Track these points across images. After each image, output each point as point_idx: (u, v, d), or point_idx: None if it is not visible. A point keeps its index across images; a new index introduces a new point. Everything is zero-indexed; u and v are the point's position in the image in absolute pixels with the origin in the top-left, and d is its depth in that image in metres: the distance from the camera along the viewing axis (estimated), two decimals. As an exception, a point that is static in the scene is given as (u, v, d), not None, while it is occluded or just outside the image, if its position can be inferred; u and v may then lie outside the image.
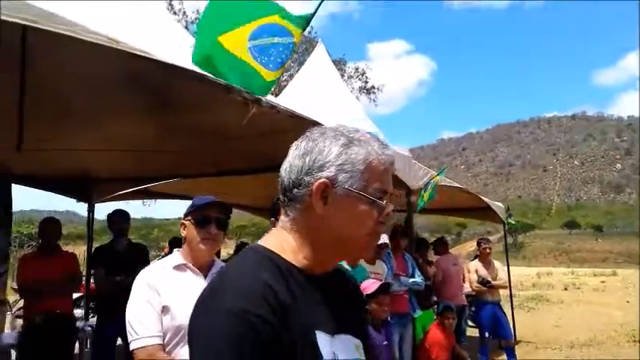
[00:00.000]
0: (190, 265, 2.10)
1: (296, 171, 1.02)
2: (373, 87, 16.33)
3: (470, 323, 7.74)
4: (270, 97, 2.79)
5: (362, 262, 4.50)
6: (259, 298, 0.89)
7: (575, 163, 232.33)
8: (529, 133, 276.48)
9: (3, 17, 1.66)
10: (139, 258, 4.58)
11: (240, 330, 0.86)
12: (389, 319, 4.79)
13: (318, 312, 1.00)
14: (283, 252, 1.03)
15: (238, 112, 2.65)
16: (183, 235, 2.15)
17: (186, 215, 2.16)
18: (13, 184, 5.18)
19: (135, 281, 2.03)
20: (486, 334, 6.26)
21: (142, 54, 2.16)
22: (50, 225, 4.78)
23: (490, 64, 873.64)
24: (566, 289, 18.84)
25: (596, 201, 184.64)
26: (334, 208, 1.00)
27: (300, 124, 3.05)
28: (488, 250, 6.60)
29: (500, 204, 8.82)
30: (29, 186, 5.48)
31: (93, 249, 5.42)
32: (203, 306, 0.93)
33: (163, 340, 1.93)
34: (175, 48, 2.84)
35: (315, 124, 3.21)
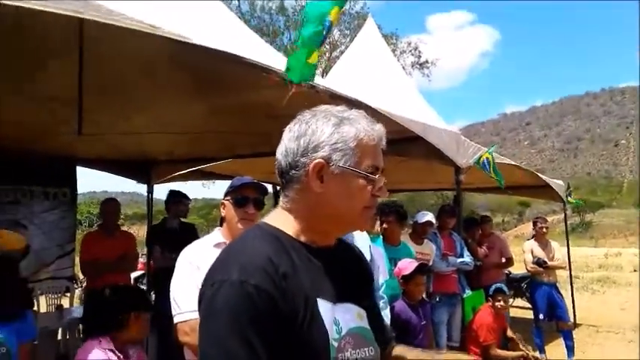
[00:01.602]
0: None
1: (292, 153, 1.07)
2: (426, 61, 15.90)
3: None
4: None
5: (409, 241, 4.50)
6: (259, 270, 0.95)
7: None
8: (599, 105, 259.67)
9: (47, 9, 1.76)
10: (190, 236, 4.78)
11: (239, 300, 0.92)
12: (437, 299, 4.79)
13: (320, 281, 1.05)
14: (285, 228, 1.09)
15: (280, 92, 2.70)
16: (222, 214, 2.24)
17: (225, 195, 2.24)
18: (78, 167, 5.56)
19: (178, 259, 2.15)
20: (541, 316, 6.09)
21: (180, 38, 2.25)
22: (109, 206, 4.98)
23: (557, 32, 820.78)
24: (635, 270, 17.82)
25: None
26: (330, 186, 1.05)
27: (341, 104, 3.05)
28: (544, 230, 6.35)
29: (560, 182, 8.44)
30: (92, 168, 5.84)
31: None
32: (209, 276, 1.01)
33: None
34: (217, 30, 2.93)
35: (356, 103, 3.20)
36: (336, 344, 1.02)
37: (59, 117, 3.88)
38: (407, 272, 3.37)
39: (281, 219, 1.11)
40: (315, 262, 1.07)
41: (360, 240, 2.66)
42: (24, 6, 1.68)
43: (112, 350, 2.36)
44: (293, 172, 1.07)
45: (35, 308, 4.57)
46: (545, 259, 6.12)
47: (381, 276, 2.83)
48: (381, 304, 2.77)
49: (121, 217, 6.44)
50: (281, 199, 1.13)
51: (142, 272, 7.58)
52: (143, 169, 6.22)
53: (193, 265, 2.09)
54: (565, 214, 9.50)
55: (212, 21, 3.10)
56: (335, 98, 3.01)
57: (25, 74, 3.20)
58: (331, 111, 1.10)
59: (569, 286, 8.39)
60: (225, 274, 0.97)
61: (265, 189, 2.29)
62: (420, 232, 4.69)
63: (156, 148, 5.58)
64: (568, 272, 8.25)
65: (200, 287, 1.02)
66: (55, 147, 4.85)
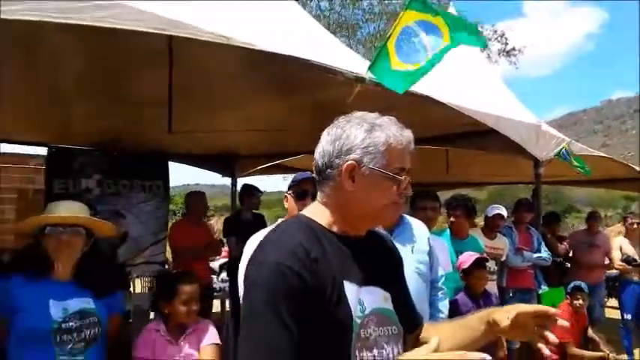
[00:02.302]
0: (291, 232, 2.38)
1: (328, 155, 1.22)
2: (513, 49, 15.09)
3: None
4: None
5: (481, 236, 4.46)
6: (292, 254, 1.12)
7: None
8: None
9: (140, 28, 2.08)
10: (260, 226, 5.00)
11: (275, 278, 1.09)
12: (510, 294, 4.69)
13: (348, 266, 1.19)
14: (319, 219, 1.24)
15: (349, 90, 2.86)
16: (285, 206, 2.45)
17: (288, 189, 2.45)
18: (170, 162, 6.08)
19: (246, 245, 2.39)
20: (628, 317, 5.74)
21: (252, 47, 2.47)
22: (192, 199, 5.40)
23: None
24: None
25: None
26: (361, 185, 1.19)
27: (409, 99, 3.12)
28: (635, 226, 5.97)
29: (660, 174, 7.76)
30: (182, 162, 6.37)
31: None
32: (252, 258, 1.20)
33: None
34: (290, 33, 3.13)
35: (424, 98, 3.25)
36: (359, 321, 1.16)
37: (152, 117, 4.31)
38: (465, 266, 3.39)
39: (317, 211, 1.27)
40: (344, 250, 1.21)
41: (419, 231, 2.75)
42: (118, 27, 2.00)
43: (157, 330, 2.56)
44: (328, 171, 1.22)
45: (131, 289, 5.09)
46: (636, 257, 5.77)
47: (441, 268, 2.89)
48: (440, 294, 2.83)
49: (211, 208, 6.89)
50: (318, 194, 1.29)
51: (227, 259, 8.08)
52: (227, 163, 6.65)
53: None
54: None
55: (285, 23, 3.31)
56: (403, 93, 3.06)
57: (123, 81, 3.63)
58: (365, 118, 1.24)
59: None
60: (265, 256, 1.15)
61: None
62: (491, 226, 4.62)
63: (239, 144, 5.95)
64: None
65: (246, 266, 1.21)
66: (149, 144, 5.34)
